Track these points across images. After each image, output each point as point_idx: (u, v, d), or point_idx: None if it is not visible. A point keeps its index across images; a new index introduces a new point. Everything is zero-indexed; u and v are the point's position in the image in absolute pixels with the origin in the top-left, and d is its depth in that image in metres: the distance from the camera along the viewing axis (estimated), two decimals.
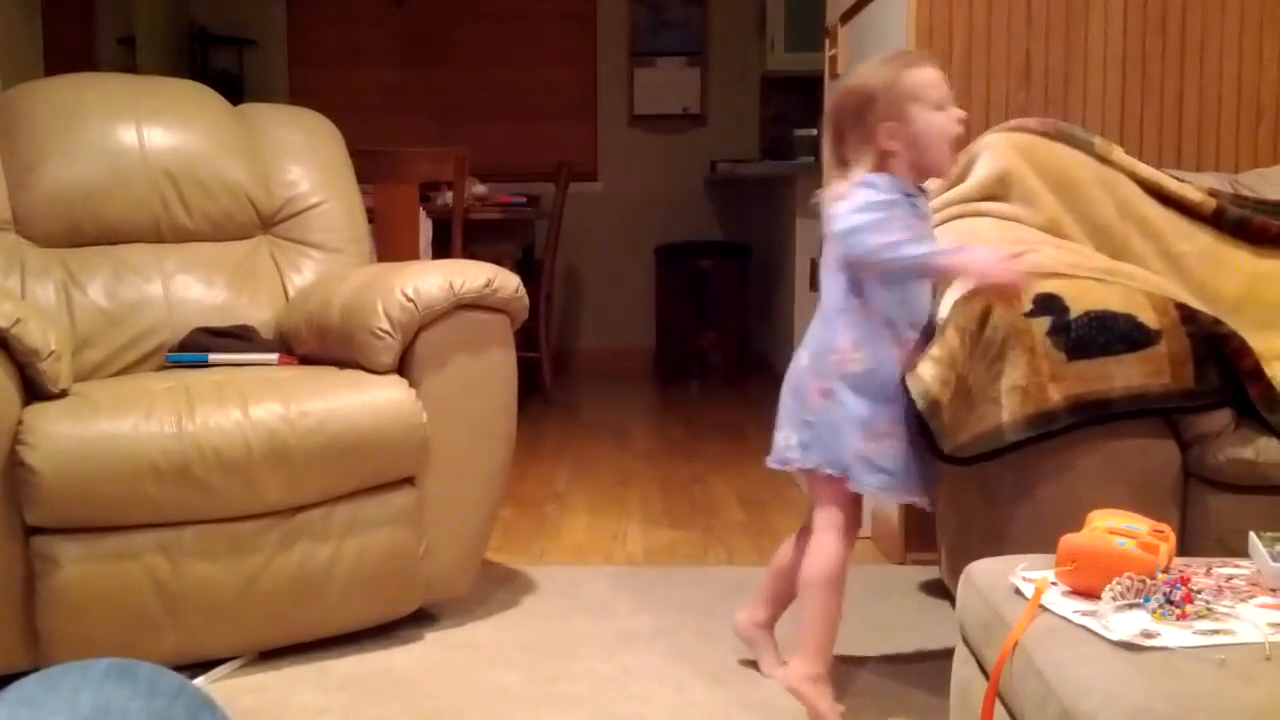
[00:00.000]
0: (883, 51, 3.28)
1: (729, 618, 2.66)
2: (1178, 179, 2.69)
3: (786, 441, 2.24)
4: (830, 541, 2.17)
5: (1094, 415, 2.11)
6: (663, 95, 6.79)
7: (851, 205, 2.12)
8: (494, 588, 2.86)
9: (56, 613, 2.20)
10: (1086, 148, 2.67)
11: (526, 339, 4.83)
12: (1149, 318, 2.14)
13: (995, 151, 2.65)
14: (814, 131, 5.11)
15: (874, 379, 2.14)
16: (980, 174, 2.64)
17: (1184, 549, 1.85)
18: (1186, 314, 2.16)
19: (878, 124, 2.12)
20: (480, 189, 5.33)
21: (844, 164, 2.17)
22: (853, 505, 2.23)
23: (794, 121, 6.25)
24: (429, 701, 2.26)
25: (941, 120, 2.15)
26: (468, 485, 2.58)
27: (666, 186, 6.76)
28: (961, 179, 2.68)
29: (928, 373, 2.14)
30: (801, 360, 2.27)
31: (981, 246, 2.22)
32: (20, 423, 2.18)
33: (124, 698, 0.88)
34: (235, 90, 6.11)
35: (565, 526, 3.51)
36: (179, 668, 2.33)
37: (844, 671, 2.37)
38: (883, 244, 2.08)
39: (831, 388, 2.18)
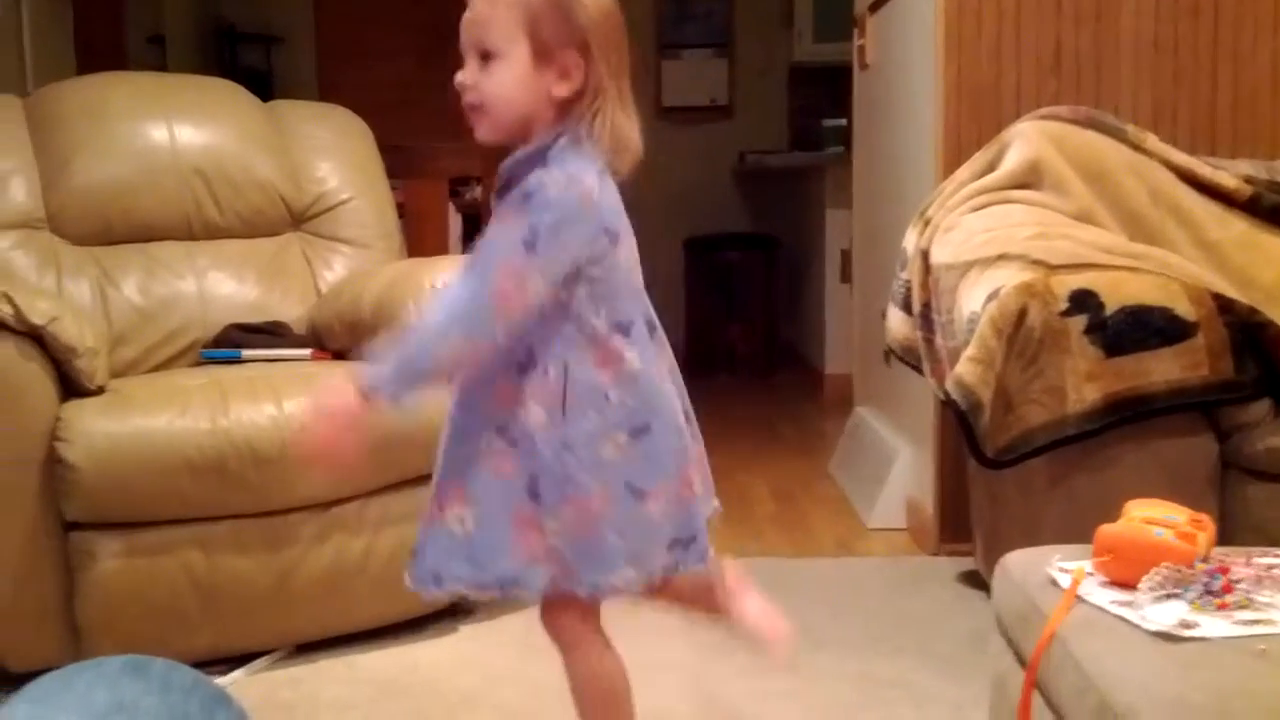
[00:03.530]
0: (911, 43, 3.28)
1: None
2: (1212, 166, 2.67)
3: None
4: None
5: (1133, 412, 2.09)
6: (690, 87, 6.77)
7: None
8: None
9: (95, 607, 2.23)
10: (1119, 135, 2.66)
11: None
12: (1185, 309, 2.12)
13: (1026, 140, 2.63)
14: (843, 122, 5.08)
15: None
16: (1011, 163, 2.62)
17: (1223, 538, 1.83)
18: (1223, 303, 2.14)
19: None
20: None
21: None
22: None
23: (823, 112, 6.22)
24: (461, 695, 2.27)
25: None
26: None
27: (694, 179, 6.74)
28: (993, 167, 2.67)
29: (969, 374, 2.13)
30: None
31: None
32: (58, 419, 2.20)
33: (138, 693, 0.88)
34: (264, 87, 6.13)
35: None
36: (215, 661, 2.36)
37: (880, 663, 2.36)
38: None
39: None
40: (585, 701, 1.71)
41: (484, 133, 1.56)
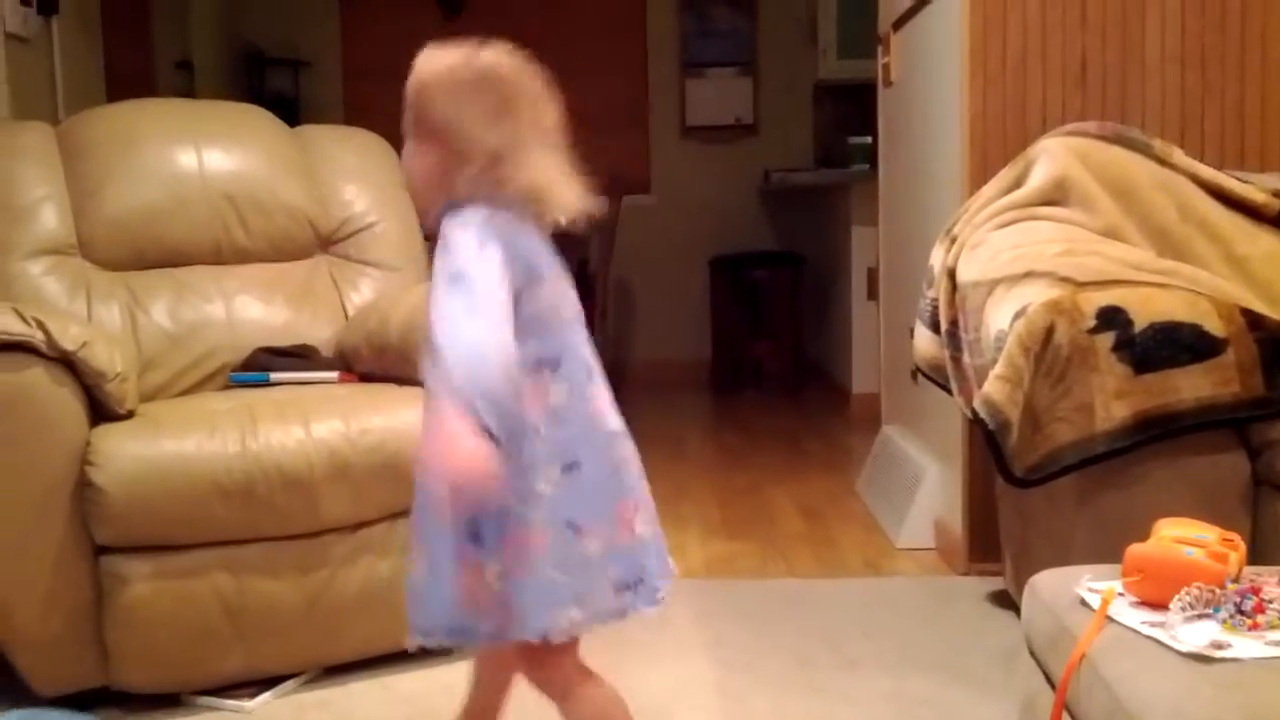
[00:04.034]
0: (936, 60, 3.27)
1: (790, 628, 2.66)
2: (1241, 180, 2.65)
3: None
4: None
5: (1163, 430, 2.07)
6: (714, 106, 6.79)
7: None
8: None
9: (125, 630, 2.24)
10: (1145, 150, 2.64)
11: None
12: (1215, 325, 2.10)
13: (1052, 156, 2.62)
14: (868, 139, 5.09)
15: None
16: (1037, 179, 2.61)
17: (1254, 558, 1.81)
18: (1253, 319, 2.12)
19: None
20: None
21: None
22: None
23: (848, 129, 6.22)
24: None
25: None
26: None
27: (720, 197, 6.75)
28: (1019, 184, 2.66)
29: (997, 393, 2.12)
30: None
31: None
32: (88, 443, 2.22)
33: None
34: (291, 111, 6.18)
35: None
36: (244, 684, 2.37)
37: (911, 682, 2.35)
38: None
39: None
40: None
41: (415, 203, 1.69)
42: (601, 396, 1.65)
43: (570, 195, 1.69)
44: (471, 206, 1.58)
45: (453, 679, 2.42)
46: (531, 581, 1.56)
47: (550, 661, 1.66)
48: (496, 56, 1.68)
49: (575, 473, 1.58)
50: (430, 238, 1.81)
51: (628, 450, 1.66)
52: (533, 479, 1.55)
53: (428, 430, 1.56)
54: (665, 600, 1.67)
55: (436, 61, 1.65)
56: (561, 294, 1.65)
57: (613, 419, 1.65)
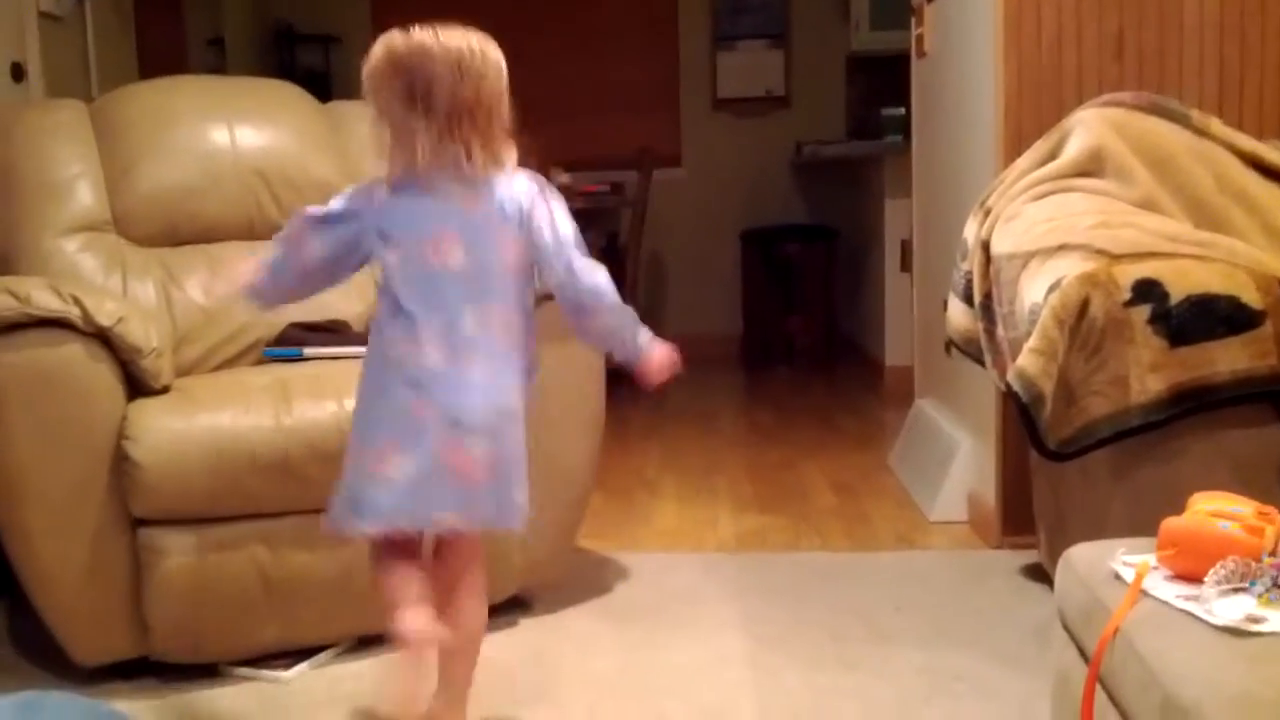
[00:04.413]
0: (970, 31, 3.24)
1: (822, 603, 2.66)
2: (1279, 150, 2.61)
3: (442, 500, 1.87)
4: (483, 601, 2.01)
5: (1198, 403, 2.06)
6: (746, 78, 6.75)
7: (564, 209, 1.94)
8: (586, 574, 2.88)
9: (163, 603, 2.27)
10: (1183, 121, 2.61)
11: None
12: (1252, 297, 2.08)
13: (1088, 127, 2.60)
14: (902, 111, 5.04)
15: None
16: (1073, 150, 2.59)
17: None
18: None
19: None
20: (564, 178, 5.35)
21: (465, 145, 1.86)
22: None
23: (881, 101, 6.18)
24: (523, 687, 2.28)
25: None
26: (559, 472, 2.60)
27: (751, 170, 6.72)
28: (1054, 155, 2.64)
29: (1031, 366, 2.11)
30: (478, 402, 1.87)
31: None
32: (124, 418, 2.24)
33: None
34: (322, 87, 6.20)
35: (656, 513, 3.52)
36: (279, 655, 2.40)
37: (944, 656, 2.35)
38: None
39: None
40: None
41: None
42: (429, 346, 1.87)
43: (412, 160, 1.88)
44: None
45: (483, 649, 2.44)
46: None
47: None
48: (402, 40, 1.88)
49: (370, 402, 1.95)
50: None
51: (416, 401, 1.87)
52: (360, 395, 1.97)
53: None
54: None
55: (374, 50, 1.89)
56: (415, 260, 1.89)
57: (429, 369, 1.87)
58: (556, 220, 1.91)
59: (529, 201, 1.90)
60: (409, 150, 1.85)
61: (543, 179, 1.95)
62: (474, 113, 1.85)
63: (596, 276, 1.90)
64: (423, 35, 1.87)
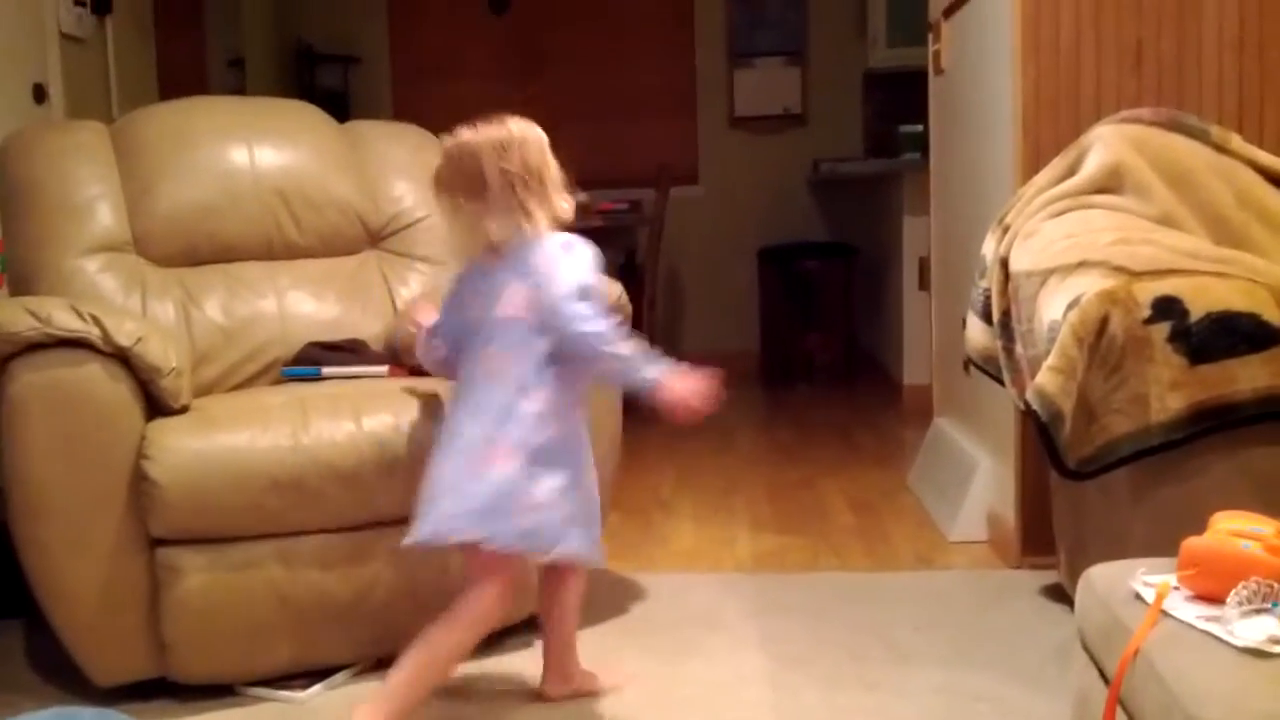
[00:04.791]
0: (987, 47, 3.24)
1: (842, 623, 2.65)
2: None
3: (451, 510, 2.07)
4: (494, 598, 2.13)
5: (1219, 421, 2.04)
6: (763, 96, 6.76)
7: (586, 263, 2.17)
8: (603, 595, 2.87)
9: (180, 622, 2.27)
10: (1202, 137, 2.60)
11: None
12: (1273, 315, 2.07)
13: (1106, 144, 2.59)
14: (919, 127, 5.04)
15: (562, 448, 2.11)
16: (1091, 167, 2.58)
17: None
18: None
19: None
20: (582, 197, 5.35)
21: (525, 211, 2.15)
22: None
23: (898, 118, 6.17)
24: (542, 709, 2.27)
25: None
26: None
27: (768, 188, 6.73)
28: (1072, 172, 2.63)
29: (1050, 384, 2.10)
30: (474, 428, 2.09)
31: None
32: (143, 438, 2.25)
33: None
34: (341, 107, 6.24)
35: (673, 533, 3.51)
36: (296, 676, 2.40)
37: (964, 676, 2.33)
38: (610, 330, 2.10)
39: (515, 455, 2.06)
40: None
41: None
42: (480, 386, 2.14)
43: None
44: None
45: (501, 670, 2.44)
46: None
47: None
48: (451, 142, 2.21)
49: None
50: None
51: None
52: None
53: None
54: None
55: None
56: (469, 311, 2.20)
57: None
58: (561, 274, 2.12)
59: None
60: (482, 232, 2.14)
61: (570, 238, 2.20)
62: (526, 180, 2.13)
63: (592, 326, 2.08)
64: (465, 132, 2.19)
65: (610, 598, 2.86)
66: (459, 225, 2.20)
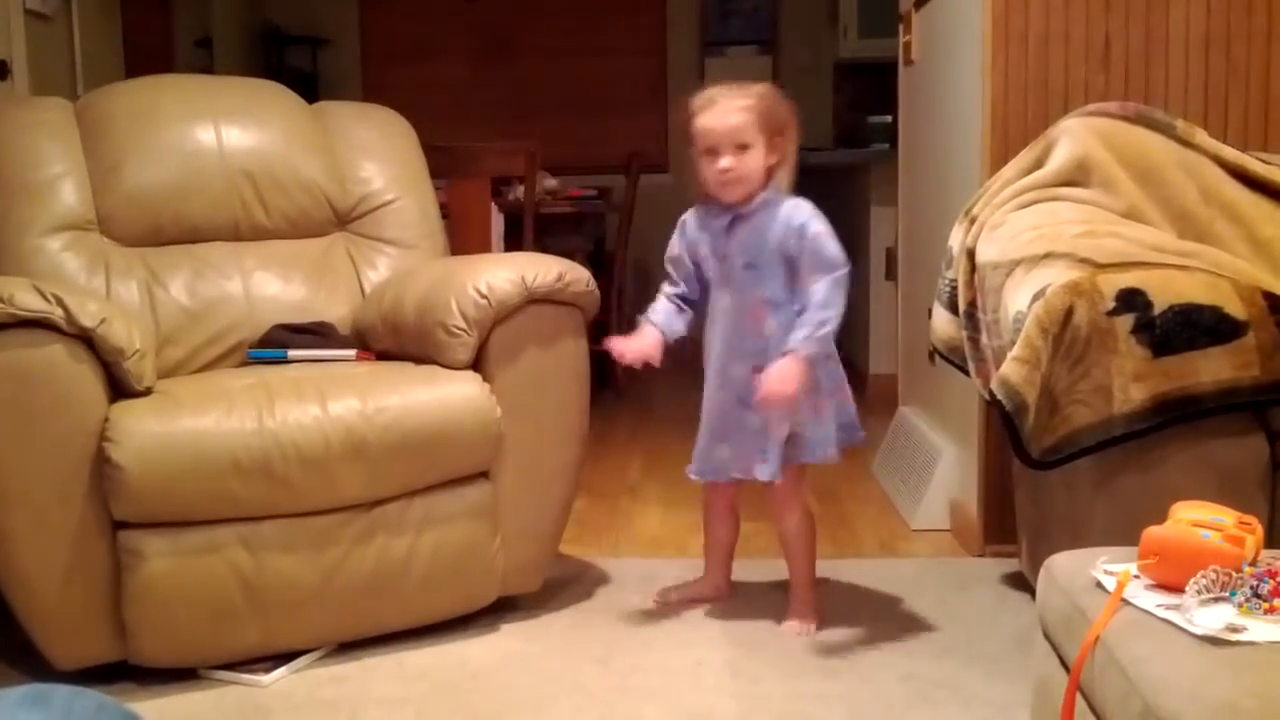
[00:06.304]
0: (957, 39, 3.25)
1: None
2: (1264, 162, 2.62)
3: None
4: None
5: (1181, 413, 2.06)
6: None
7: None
8: (569, 580, 2.87)
9: (142, 606, 2.25)
10: (1168, 131, 2.62)
11: (598, 332, 4.84)
12: (1236, 308, 2.08)
13: (1074, 137, 2.60)
14: (888, 118, 5.05)
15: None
16: (1058, 160, 2.59)
17: (1272, 541, 1.80)
18: (1275, 302, 2.10)
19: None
20: (551, 183, 5.34)
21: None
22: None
23: (868, 109, 6.19)
24: (505, 693, 2.27)
25: (704, 167, 2.54)
26: (542, 478, 2.60)
27: None
28: (1039, 165, 2.64)
29: (1015, 374, 2.11)
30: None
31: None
32: (106, 420, 2.22)
33: None
34: (310, 89, 6.19)
35: (639, 518, 3.51)
36: (260, 659, 2.39)
37: (926, 664, 2.35)
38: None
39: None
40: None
41: (737, 195, 2.53)
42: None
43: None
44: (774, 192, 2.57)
45: (465, 654, 2.44)
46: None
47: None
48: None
49: None
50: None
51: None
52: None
53: None
54: None
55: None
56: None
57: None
58: None
59: None
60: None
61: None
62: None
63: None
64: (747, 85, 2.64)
65: (575, 582, 2.86)
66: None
